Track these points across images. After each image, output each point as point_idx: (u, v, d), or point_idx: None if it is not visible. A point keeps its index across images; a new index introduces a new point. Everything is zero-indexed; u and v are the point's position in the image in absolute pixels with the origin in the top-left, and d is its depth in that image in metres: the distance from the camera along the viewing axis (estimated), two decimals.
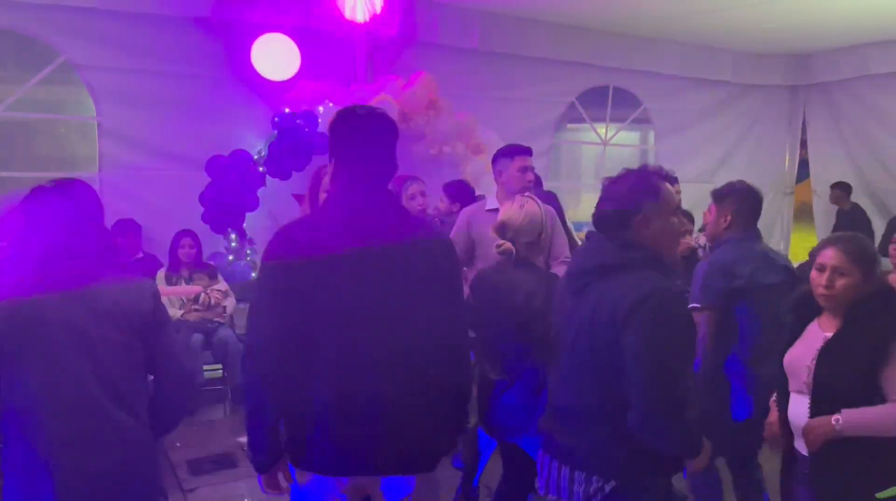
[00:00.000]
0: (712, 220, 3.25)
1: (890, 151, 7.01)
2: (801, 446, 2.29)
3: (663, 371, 1.81)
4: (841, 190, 7.07)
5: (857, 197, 7.35)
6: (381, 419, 1.82)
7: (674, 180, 5.94)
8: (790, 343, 2.38)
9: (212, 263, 5.13)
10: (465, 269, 3.62)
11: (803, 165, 8.23)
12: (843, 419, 2.14)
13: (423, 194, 4.39)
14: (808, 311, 2.38)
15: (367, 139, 1.90)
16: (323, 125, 4.98)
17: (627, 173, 2.01)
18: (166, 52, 5.07)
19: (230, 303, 4.86)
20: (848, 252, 2.24)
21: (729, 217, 3.17)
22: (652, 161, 7.30)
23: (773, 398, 2.47)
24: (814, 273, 2.29)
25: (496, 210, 3.48)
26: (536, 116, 6.54)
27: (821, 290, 2.26)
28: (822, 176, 7.78)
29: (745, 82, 7.50)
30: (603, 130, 7.07)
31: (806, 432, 2.22)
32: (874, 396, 2.16)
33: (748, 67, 7.42)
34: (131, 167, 5.06)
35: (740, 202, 3.24)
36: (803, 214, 9.14)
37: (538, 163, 6.39)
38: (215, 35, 5.15)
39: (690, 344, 1.96)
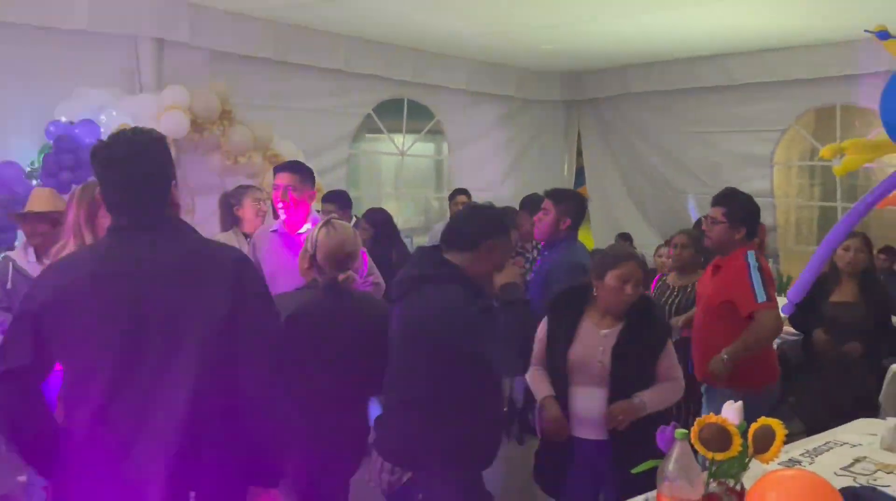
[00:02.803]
0: (551, 221, 3.49)
1: (648, 160, 7.92)
2: (588, 433, 2.61)
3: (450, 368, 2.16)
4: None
5: (623, 201, 8.24)
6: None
7: (462, 192, 6.27)
8: (568, 341, 2.67)
9: None
10: None
11: (580, 173, 9.03)
12: (644, 399, 2.56)
13: (265, 200, 4.39)
14: (575, 312, 2.72)
15: (131, 168, 1.78)
16: (106, 135, 4.67)
17: (489, 207, 2.40)
18: None
19: None
20: (643, 267, 2.68)
21: (569, 220, 3.49)
22: (446, 171, 7.69)
23: (545, 396, 2.71)
24: (614, 282, 2.61)
25: (276, 232, 3.51)
26: (334, 127, 6.59)
27: (625, 298, 2.61)
28: (596, 183, 8.63)
29: (526, 97, 8.10)
30: (400, 141, 7.30)
31: (613, 414, 2.54)
32: (651, 380, 2.63)
33: (529, 84, 8.02)
34: None
35: (578, 206, 3.58)
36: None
37: (337, 173, 6.51)
38: None
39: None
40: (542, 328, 2.81)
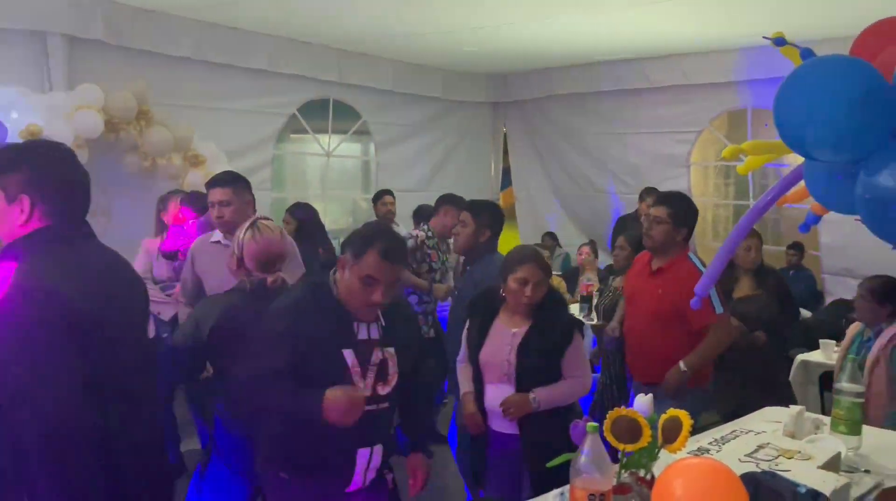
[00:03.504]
0: (471, 233, 3.47)
1: (572, 161, 8.10)
2: (502, 427, 2.72)
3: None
4: None
5: (549, 201, 8.39)
6: None
7: (387, 192, 6.23)
8: (480, 341, 2.75)
9: None
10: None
11: (507, 174, 9.15)
12: (538, 396, 2.63)
13: None
14: (489, 312, 2.80)
15: (77, 179, 1.80)
16: (13, 137, 4.47)
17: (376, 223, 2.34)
18: None
19: None
20: (543, 267, 2.73)
21: (489, 233, 3.48)
22: (374, 171, 7.67)
23: (464, 392, 2.84)
24: (514, 284, 2.69)
25: (218, 243, 3.42)
26: (257, 128, 6.49)
27: (525, 299, 2.68)
28: (522, 183, 8.76)
29: (453, 99, 8.15)
30: (326, 142, 7.23)
31: (505, 406, 2.64)
32: (558, 376, 2.70)
33: (455, 85, 8.08)
34: None
35: (497, 217, 3.57)
36: (509, 216, 10.19)
37: (261, 174, 6.41)
38: None
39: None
40: (467, 327, 2.94)
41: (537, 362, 2.67)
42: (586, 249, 6.31)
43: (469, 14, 5.55)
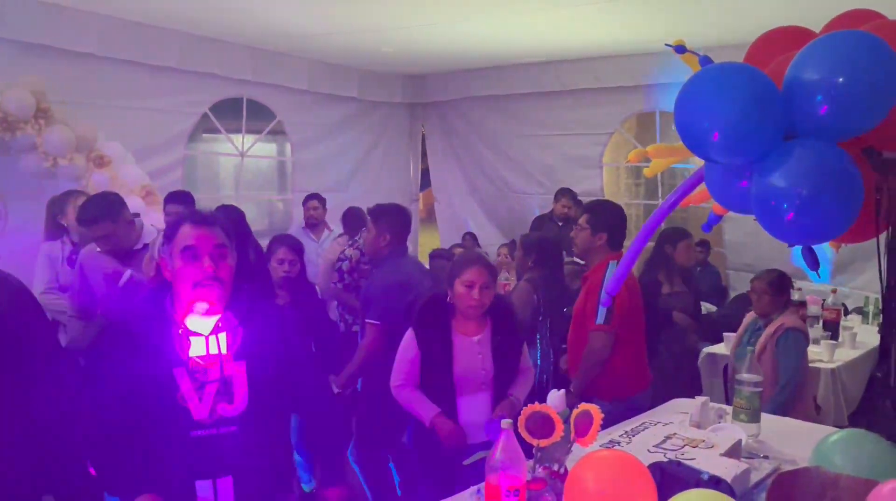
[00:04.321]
0: (372, 238, 3.52)
1: (489, 162, 8.20)
2: (475, 437, 2.70)
3: None
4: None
5: (467, 202, 8.47)
6: None
7: (314, 197, 6.16)
8: (448, 358, 2.70)
9: None
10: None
11: (426, 174, 9.17)
12: (516, 394, 2.78)
13: None
14: (445, 324, 2.75)
15: None
16: None
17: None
18: None
19: None
20: (489, 269, 2.73)
21: (388, 236, 3.48)
22: (290, 172, 7.54)
23: (435, 414, 2.72)
24: (462, 288, 2.68)
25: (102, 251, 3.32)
26: (167, 127, 6.26)
27: (474, 302, 2.67)
28: (441, 184, 8.80)
29: (369, 99, 8.10)
30: (239, 141, 7.07)
31: (505, 416, 2.60)
32: (517, 372, 2.83)
33: (372, 86, 8.04)
34: None
35: (397, 220, 3.58)
36: (431, 217, 10.23)
37: (172, 175, 6.21)
38: None
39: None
40: (410, 348, 2.79)
41: (510, 363, 2.74)
42: (504, 250, 6.42)
43: (386, 15, 5.53)
